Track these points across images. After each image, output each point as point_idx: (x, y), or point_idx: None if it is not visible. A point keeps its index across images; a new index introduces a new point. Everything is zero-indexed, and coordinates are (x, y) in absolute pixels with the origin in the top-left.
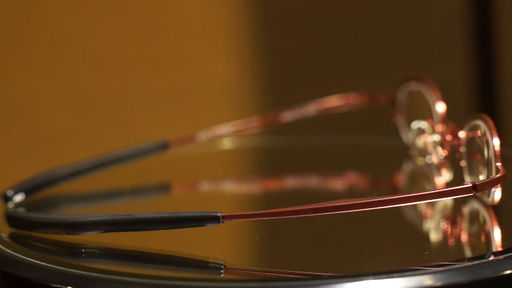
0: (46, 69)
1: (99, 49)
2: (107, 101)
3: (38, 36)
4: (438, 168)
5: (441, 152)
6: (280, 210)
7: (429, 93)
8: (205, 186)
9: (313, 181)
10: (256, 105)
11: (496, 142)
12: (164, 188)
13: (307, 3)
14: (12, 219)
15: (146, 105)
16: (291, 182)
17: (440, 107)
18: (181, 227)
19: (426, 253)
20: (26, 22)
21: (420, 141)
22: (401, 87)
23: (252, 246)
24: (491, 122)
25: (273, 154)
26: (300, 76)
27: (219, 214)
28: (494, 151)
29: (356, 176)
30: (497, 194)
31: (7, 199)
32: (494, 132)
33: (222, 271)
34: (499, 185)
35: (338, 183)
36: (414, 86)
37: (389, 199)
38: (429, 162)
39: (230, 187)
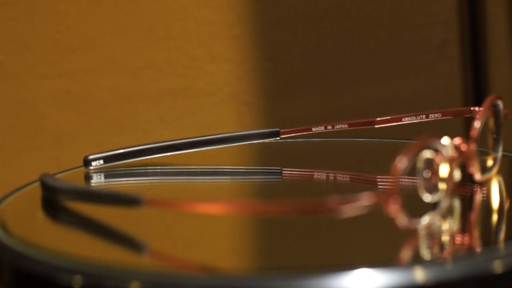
0: (51, 70)
1: (105, 51)
2: (113, 101)
3: (44, 38)
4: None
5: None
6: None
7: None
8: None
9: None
10: (256, 105)
11: None
12: (274, 172)
13: (306, 4)
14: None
15: (149, 106)
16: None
17: (476, 124)
18: (105, 205)
19: None
20: (32, 24)
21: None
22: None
23: (181, 235)
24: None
25: (369, 152)
26: (300, 76)
27: (139, 198)
28: None
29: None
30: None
31: (86, 163)
32: None
33: (143, 253)
34: None
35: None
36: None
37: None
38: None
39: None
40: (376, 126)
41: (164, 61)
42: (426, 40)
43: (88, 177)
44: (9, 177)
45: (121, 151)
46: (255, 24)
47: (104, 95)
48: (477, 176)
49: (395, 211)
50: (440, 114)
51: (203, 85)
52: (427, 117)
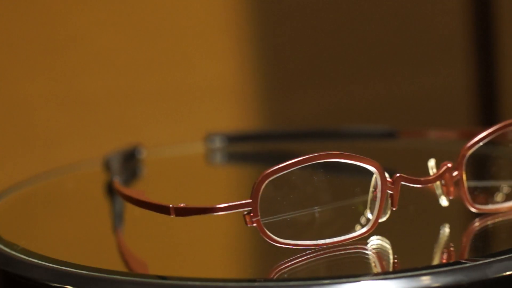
0: (45, 69)
1: (98, 49)
2: (106, 101)
3: (37, 36)
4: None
5: None
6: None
7: None
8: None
9: None
10: (255, 105)
11: None
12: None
13: (306, 2)
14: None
15: (144, 105)
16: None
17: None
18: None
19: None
20: (25, 22)
21: None
22: None
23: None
24: None
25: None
26: (300, 75)
27: (114, 180)
28: None
29: None
30: None
31: (208, 140)
32: None
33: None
34: None
35: None
36: None
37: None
38: None
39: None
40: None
41: (163, 61)
42: (432, 36)
43: (209, 154)
44: (0, 178)
45: (243, 132)
46: (255, 24)
47: (101, 95)
48: (469, 207)
49: (258, 227)
50: None
51: (202, 85)
52: None
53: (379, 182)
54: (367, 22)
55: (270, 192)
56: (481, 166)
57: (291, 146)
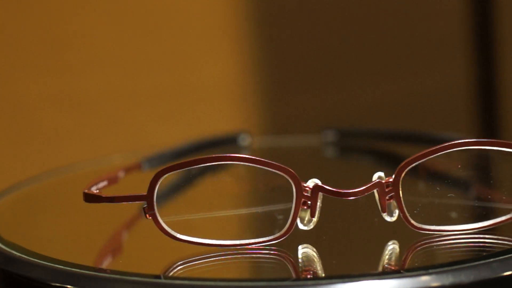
0: (45, 69)
1: (98, 48)
2: (106, 101)
3: (37, 36)
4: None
5: None
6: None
7: None
8: None
9: None
10: (256, 106)
11: None
12: None
13: (307, 2)
14: None
15: (145, 105)
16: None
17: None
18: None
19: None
20: (25, 22)
21: None
22: None
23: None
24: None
25: None
26: (300, 75)
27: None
28: None
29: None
30: None
31: (323, 134)
32: None
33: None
34: None
35: None
36: None
37: None
38: None
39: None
40: None
41: (163, 61)
42: (432, 36)
43: (322, 147)
44: (0, 178)
45: (356, 129)
46: (256, 24)
47: (101, 95)
48: (407, 224)
49: (154, 221)
50: None
51: (202, 85)
52: None
53: (294, 190)
54: (368, 22)
55: (177, 188)
56: (433, 183)
57: (396, 147)
